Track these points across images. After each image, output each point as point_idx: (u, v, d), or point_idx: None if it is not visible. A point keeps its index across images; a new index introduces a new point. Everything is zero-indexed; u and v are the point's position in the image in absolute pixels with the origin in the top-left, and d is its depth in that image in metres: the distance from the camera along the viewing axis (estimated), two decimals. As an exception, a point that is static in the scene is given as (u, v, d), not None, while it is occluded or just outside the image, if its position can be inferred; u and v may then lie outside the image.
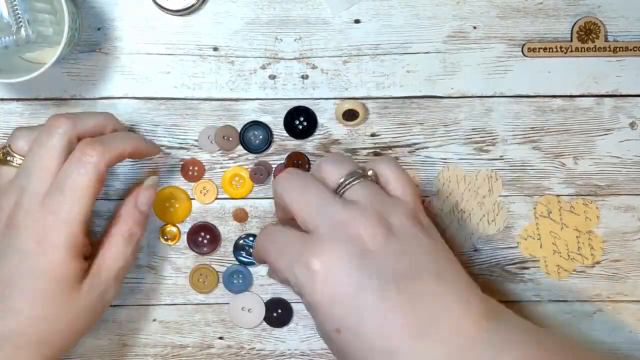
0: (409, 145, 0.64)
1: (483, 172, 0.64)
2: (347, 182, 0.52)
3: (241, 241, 0.64)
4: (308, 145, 0.64)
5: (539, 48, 0.63)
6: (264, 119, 0.64)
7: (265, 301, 0.65)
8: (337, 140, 0.64)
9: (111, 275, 0.56)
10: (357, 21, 0.63)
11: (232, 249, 0.64)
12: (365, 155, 0.64)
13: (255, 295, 0.65)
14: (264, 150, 0.64)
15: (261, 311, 0.65)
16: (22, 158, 0.56)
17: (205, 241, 0.64)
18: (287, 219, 0.56)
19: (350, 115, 0.62)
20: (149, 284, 0.65)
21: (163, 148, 0.64)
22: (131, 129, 0.63)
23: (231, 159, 0.64)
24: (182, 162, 0.64)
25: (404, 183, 0.54)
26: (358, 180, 0.52)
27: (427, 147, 0.64)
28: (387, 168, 0.54)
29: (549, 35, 0.63)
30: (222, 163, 0.64)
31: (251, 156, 0.64)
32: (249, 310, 0.65)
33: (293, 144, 0.64)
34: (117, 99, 0.63)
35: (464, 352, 0.47)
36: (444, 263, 0.51)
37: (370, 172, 0.54)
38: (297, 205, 0.52)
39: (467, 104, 0.64)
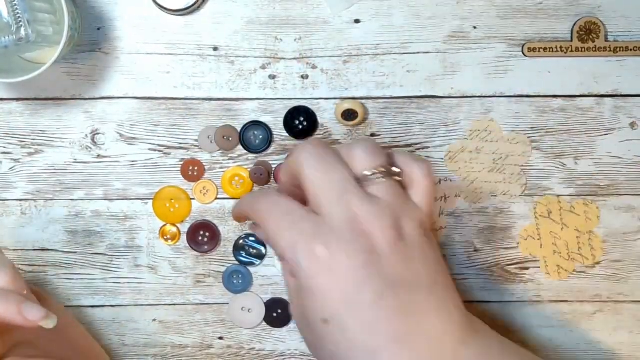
0: (409, 145, 0.64)
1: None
2: (374, 176, 0.50)
3: (241, 241, 0.64)
4: (308, 145, 0.64)
5: (539, 48, 0.63)
6: (264, 119, 0.64)
7: (265, 301, 0.65)
8: (337, 140, 0.64)
9: None
10: (357, 21, 0.63)
11: (232, 249, 0.65)
12: (365, 155, 0.64)
13: (255, 295, 0.65)
14: (264, 150, 0.64)
15: (261, 311, 0.65)
16: None
17: (205, 239, 0.64)
18: (289, 189, 0.53)
19: (349, 115, 0.62)
20: (149, 284, 0.65)
21: (163, 148, 0.64)
22: (35, 290, 0.54)
23: (231, 159, 0.64)
24: (182, 162, 0.64)
25: (428, 193, 0.52)
26: (384, 178, 0.50)
27: (427, 147, 0.64)
28: (419, 173, 0.52)
29: (549, 35, 0.63)
30: (222, 163, 0.64)
31: (251, 156, 0.64)
32: (248, 311, 0.65)
33: (293, 144, 0.64)
34: (117, 99, 0.63)
35: None
36: (437, 277, 0.51)
37: (397, 170, 0.52)
38: (316, 182, 0.49)
39: (467, 104, 0.63)
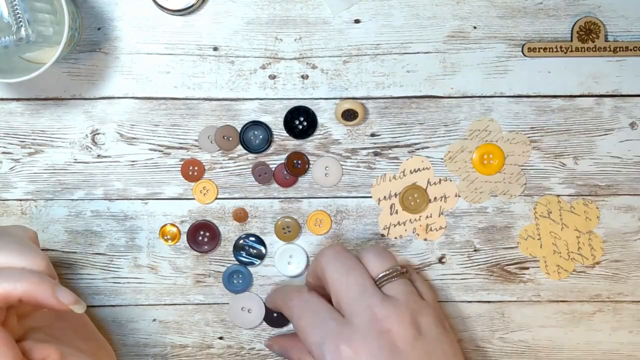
0: (409, 145, 0.64)
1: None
2: (388, 276, 0.56)
3: (241, 241, 0.64)
4: (308, 145, 0.64)
5: (539, 48, 0.63)
6: (264, 119, 0.64)
7: (265, 301, 0.65)
8: (337, 140, 0.64)
9: None
10: (357, 21, 0.63)
11: (232, 249, 0.65)
12: (365, 155, 0.64)
13: (255, 295, 0.65)
14: (264, 150, 0.64)
15: (261, 311, 0.65)
16: None
17: (205, 239, 0.64)
18: (316, 287, 0.59)
19: (349, 115, 0.62)
20: (149, 284, 0.65)
21: (163, 148, 0.64)
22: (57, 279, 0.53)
23: (231, 159, 0.64)
24: (182, 162, 0.64)
25: (430, 291, 0.60)
26: (397, 277, 0.56)
27: (427, 147, 0.64)
28: (416, 277, 0.61)
29: (549, 35, 0.63)
30: (222, 163, 0.64)
31: (251, 156, 0.64)
32: (248, 311, 0.65)
33: (293, 144, 0.64)
34: (117, 99, 0.63)
35: None
36: None
37: (404, 270, 0.58)
38: (338, 285, 0.55)
39: (467, 104, 0.64)
